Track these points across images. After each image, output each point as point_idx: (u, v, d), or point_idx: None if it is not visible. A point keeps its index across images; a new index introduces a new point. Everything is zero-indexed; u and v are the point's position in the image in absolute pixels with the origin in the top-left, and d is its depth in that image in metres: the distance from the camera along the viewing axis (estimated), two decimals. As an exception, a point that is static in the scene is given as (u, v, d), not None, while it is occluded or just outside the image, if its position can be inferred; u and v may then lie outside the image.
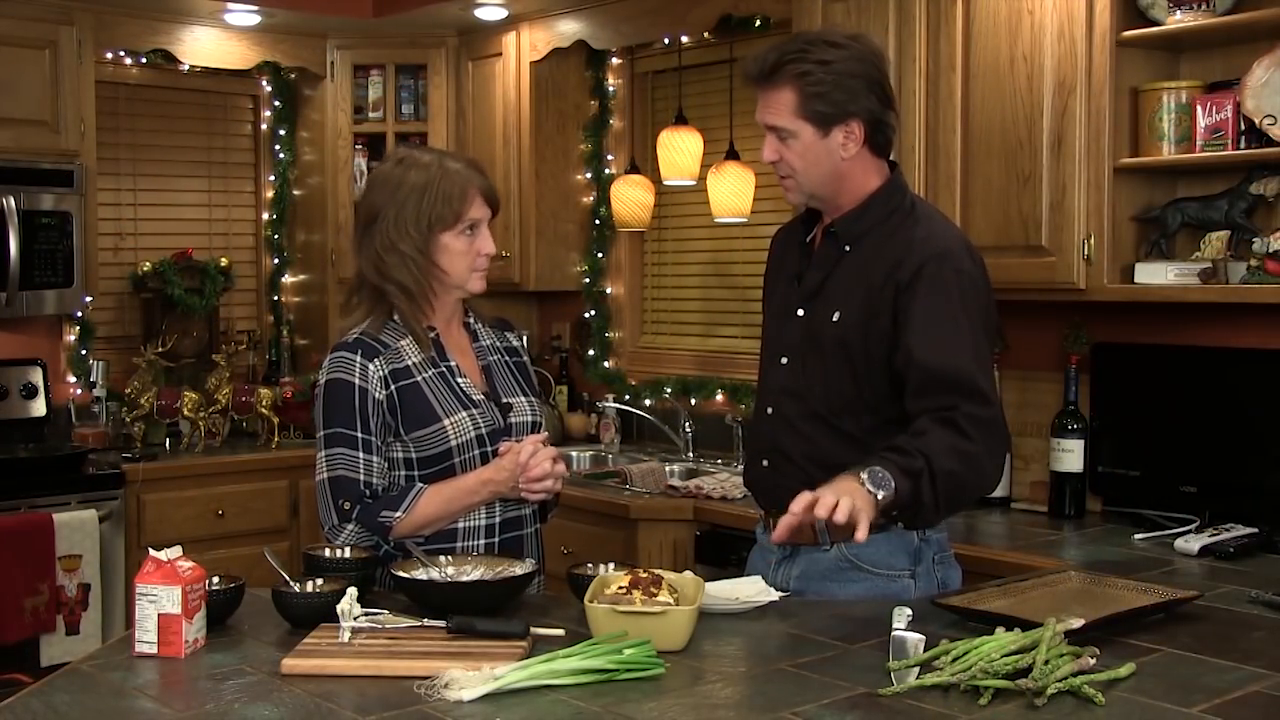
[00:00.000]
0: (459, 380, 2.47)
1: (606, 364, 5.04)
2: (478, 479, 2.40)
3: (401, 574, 2.18)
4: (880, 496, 2.11)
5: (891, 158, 2.46)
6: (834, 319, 2.36)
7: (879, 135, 2.37)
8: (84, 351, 4.81)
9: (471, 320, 2.58)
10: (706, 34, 4.51)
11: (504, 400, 2.51)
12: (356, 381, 2.39)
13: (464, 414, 2.43)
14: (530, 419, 2.53)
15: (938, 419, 2.22)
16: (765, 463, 2.48)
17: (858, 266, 2.38)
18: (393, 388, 2.40)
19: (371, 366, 2.40)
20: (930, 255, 2.30)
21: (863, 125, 2.34)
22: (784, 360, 2.46)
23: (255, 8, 4.75)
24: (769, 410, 2.48)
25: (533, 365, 2.71)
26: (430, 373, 2.44)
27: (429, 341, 2.46)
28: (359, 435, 2.38)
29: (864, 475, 2.12)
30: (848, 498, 2.06)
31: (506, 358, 2.60)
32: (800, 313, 2.44)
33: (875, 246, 2.37)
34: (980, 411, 2.23)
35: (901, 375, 2.29)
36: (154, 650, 1.99)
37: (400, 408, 2.40)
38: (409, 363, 2.43)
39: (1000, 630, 1.93)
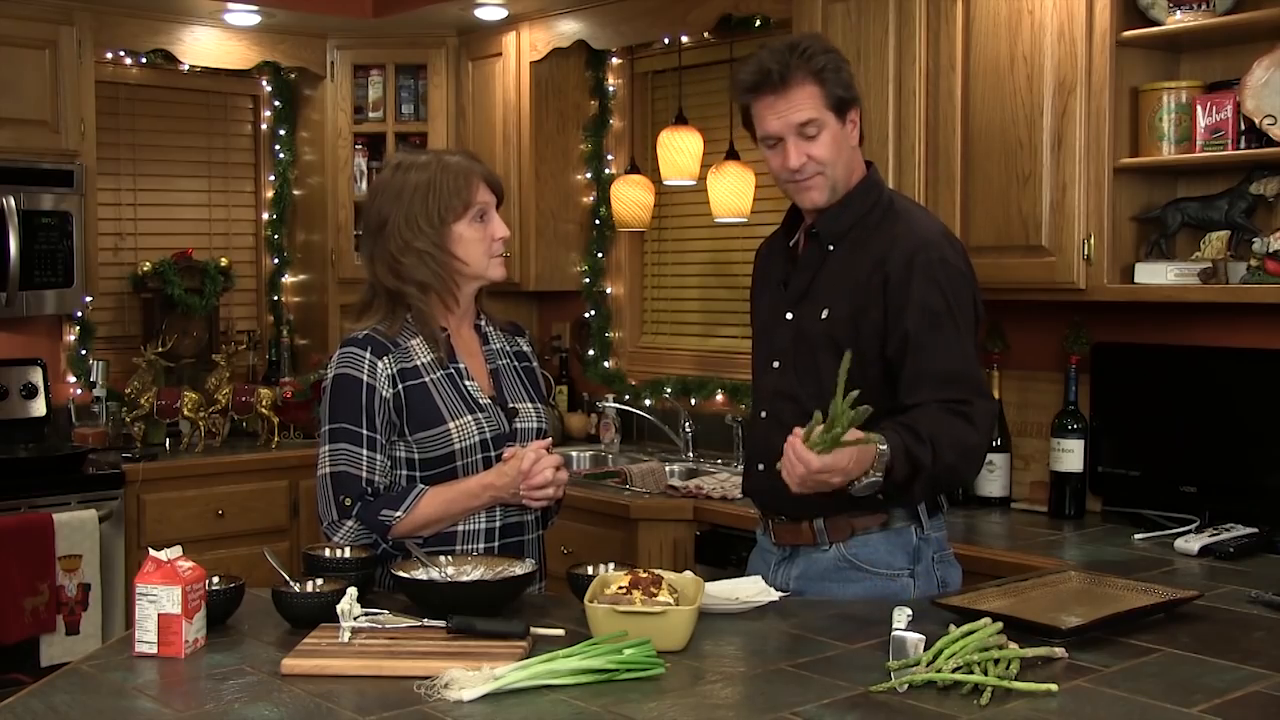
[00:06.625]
0: (466, 383, 2.46)
1: (606, 364, 5.04)
2: (479, 483, 2.40)
3: (401, 574, 2.17)
4: (871, 480, 2.18)
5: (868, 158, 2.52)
6: (822, 316, 2.39)
7: (862, 125, 2.46)
8: (84, 351, 4.81)
9: (483, 323, 2.57)
10: (706, 34, 4.51)
11: (510, 405, 2.50)
12: (364, 378, 2.38)
13: (469, 418, 2.42)
14: (536, 425, 2.52)
15: (951, 410, 2.26)
16: (761, 466, 2.48)
17: (843, 264, 2.40)
18: (400, 387, 2.40)
19: (380, 364, 2.39)
20: (916, 247, 2.33)
21: (859, 113, 2.43)
22: (775, 364, 2.47)
23: (255, 8, 4.75)
24: (763, 414, 2.50)
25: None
26: (438, 374, 2.43)
27: (440, 342, 2.45)
28: (364, 432, 2.38)
29: (881, 449, 2.17)
30: (839, 477, 2.14)
31: (516, 362, 2.59)
32: (789, 316, 2.45)
33: (858, 243, 2.40)
34: (989, 406, 2.34)
35: (895, 363, 2.32)
36: (154, 650, 1.99)
37: (406, 408, 2.40)
38: (418, 363, 2.43)
39: (952, 627, 1.94)
